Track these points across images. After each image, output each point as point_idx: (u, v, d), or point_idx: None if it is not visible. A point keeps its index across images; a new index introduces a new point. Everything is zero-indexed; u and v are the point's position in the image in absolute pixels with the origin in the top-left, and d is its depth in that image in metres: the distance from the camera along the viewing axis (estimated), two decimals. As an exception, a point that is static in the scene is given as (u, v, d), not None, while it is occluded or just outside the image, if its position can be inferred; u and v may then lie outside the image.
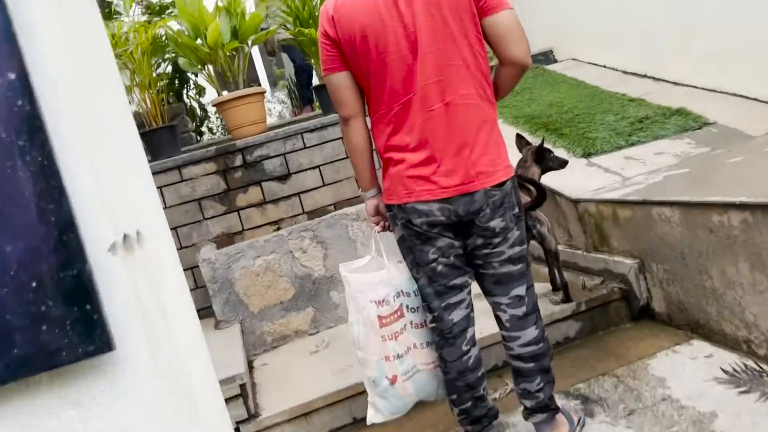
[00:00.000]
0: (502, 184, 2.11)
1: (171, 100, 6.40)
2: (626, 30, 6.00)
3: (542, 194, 3.20)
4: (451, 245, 2.15)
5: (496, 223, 2.11)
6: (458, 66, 2.07)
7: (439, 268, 2.17)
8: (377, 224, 2.34)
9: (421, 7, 2.01)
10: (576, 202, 3.87)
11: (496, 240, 2.14)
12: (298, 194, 4.73)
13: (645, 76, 5.81)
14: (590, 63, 6.61)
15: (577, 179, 4.12)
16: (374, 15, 2.01)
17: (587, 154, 4.42)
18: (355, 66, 2.11)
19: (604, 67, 6.40)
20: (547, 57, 7.24)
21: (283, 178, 4.71)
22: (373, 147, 2.27)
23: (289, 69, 8.77)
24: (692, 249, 2.91)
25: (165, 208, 4.46)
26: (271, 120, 8.48)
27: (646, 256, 3.31)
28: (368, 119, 2.23)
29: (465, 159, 2.08)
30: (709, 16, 4.92)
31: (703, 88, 5.13)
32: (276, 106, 11.26)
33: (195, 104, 7.56)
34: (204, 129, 8.08)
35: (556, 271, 3.51)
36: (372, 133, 2.23)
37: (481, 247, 2.15)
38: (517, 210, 2.17)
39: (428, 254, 2.16)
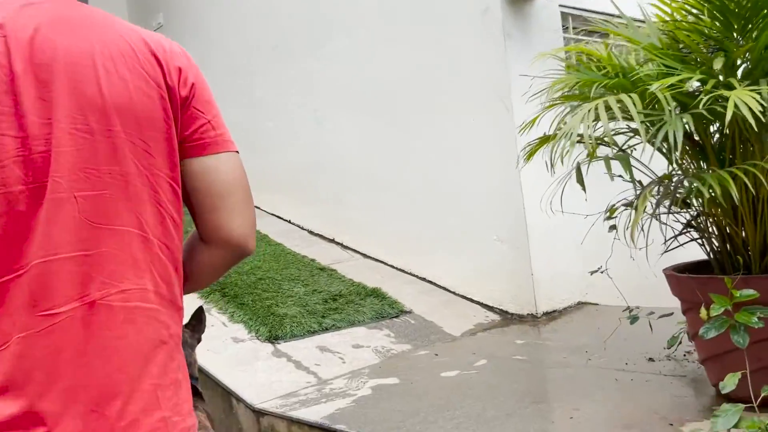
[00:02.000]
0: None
1: None
2: (317, 189, 5.54)
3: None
4: None
5: None
6: (127, 234, 0.98)
7: None
8: None
9: (66, 105, 0.95)
10: (259, 413, 2.82)
11: None
12: None
13: (333, 241, 5.33)
14: (274, 215, 5.94)
15: (261, 375, 3.11)
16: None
17: (274, 337, 3.48)
18: None
19: (290, 222, 5.78)
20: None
21: None
22: None
23: None
24: None
25: None
26: None
27: None
28: None
29: (110, 422, 0.95)
30: (396, 196, 4.72)
31: (393, 266, 4.79)
32: None
33: None
34: None
35: None
36: None
37: None
38: None
39: None
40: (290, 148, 5.83)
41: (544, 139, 2.72)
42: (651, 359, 2.81)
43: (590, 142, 2.00)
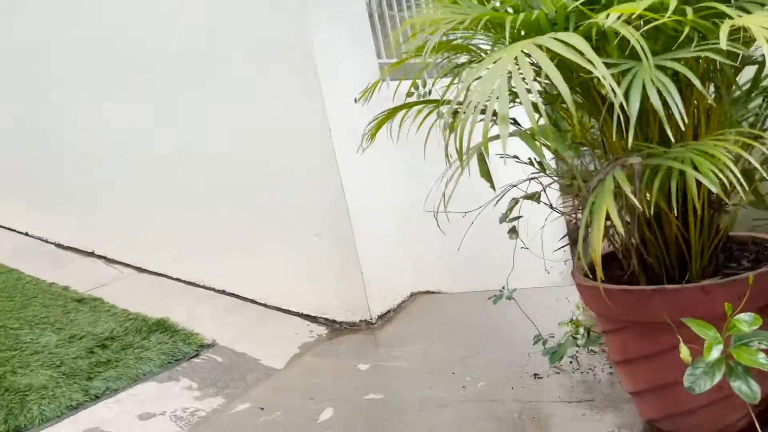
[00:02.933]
0: None
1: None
2: (61, 186, 4.19)
3: None
4: None
5: None
6: None
7: None
8: None
9: None
10: None
11: None
12: None
13: (93, 254, 4.07)
14: (2, 227, 4.43)
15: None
16: None
17: (15, 430, 2.32)
18: None
19: (27, 235, 4.33)
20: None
21: None
22: None
23: None
24: None
25: None
26: None
27: None
28: None
29: None
30: (177, 187, 3.67)
31: (181, 280, 3.75)
32: None
33: None
34: None
35: None
36: None
37: None
38: None
39: None
40: (14, 135, 4.33)
41: (392, 112, 1.98)
42: (538, 376, 2.28)
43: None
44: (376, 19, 3.66)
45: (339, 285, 3.26)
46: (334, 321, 3.31)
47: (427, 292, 3.71)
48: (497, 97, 1.13)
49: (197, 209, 3.63)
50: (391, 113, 1.99)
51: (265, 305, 3.49)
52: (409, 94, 2.11)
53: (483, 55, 1.71)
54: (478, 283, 4.19)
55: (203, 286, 3.69)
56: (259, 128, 3.30)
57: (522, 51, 1.21)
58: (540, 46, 1.19)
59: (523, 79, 1.15)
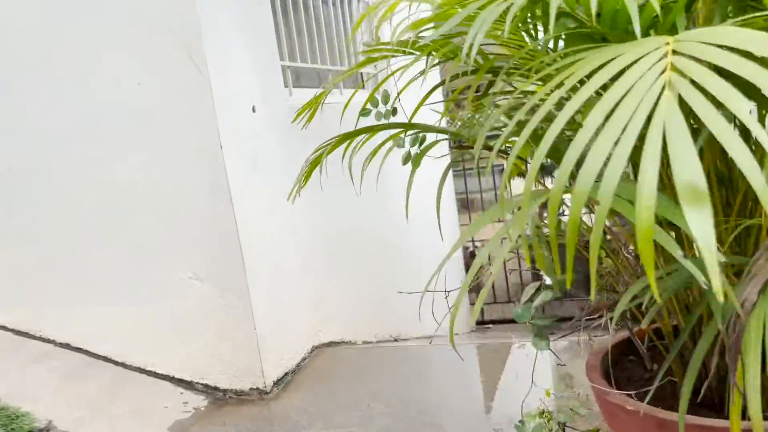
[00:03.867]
0: None
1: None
2: None
3: None
4: None
5: None
6: None
7: None
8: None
9: None
10: None
11: None
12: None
13: None
14: None
15: None
16: None
17: None
18: None
19: None
20: None
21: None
22: None
23: None
24: None
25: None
26: None
27: None
28: None
29: None
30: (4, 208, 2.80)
31: (8, 329, 2.85)
32: None
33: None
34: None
35: None
36: None
37: None
38: None
39: None
40: None
41: (342, 139, 1.37)
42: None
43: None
44: (279, 14, 3.02)
45: (223, 341, 2.56)
46: (215, 388, 2.60)
47: (331, 344, 3.10)
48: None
49: (33, 235, 2.77)
50: (341, 140, 1.37)
51: (123, 365, 2.70)
52: (363, 112, 1.51)
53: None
54: (386, 330, 3.65)
55: (40, 337, 2.82)
56: (122, 136, 2.54)
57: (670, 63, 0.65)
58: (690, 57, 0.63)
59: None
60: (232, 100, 2.51)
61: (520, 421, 1.60)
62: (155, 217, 2.55)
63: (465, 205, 4.95)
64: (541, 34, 1.19)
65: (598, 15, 0.94)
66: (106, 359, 2.72)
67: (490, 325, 4.95)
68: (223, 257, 2.49)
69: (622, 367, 1.31)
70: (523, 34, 1.20)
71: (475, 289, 5.76)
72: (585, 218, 1.30)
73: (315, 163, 1.39)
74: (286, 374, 2.68)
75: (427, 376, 2.66)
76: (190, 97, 2.41)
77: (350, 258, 3.33)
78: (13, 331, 2.84)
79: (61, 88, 2.58)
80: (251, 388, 2.55)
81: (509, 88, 1.32)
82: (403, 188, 1.52)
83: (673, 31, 0.94)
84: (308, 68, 3.29)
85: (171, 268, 2.57)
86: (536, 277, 5.41)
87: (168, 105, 2.45)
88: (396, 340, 3.74)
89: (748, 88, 0.61)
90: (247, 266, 2.48)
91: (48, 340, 2.81)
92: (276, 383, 2.60)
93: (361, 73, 3.76)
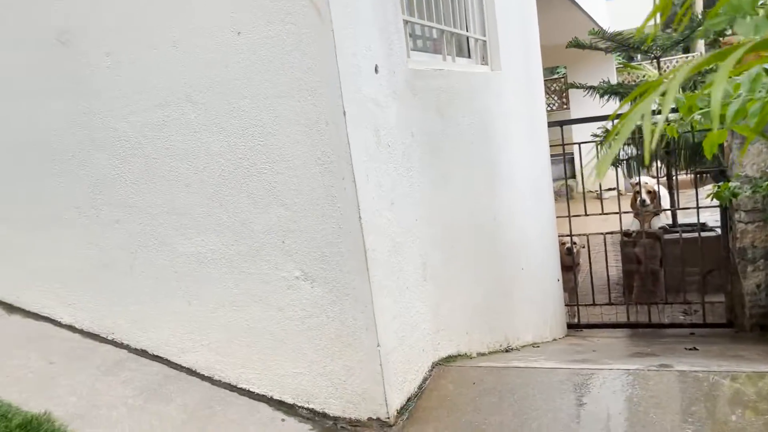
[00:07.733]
0: None
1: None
2: None
3: None
4: None
5: None
6: None
7: None
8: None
9: None
10: None
11: None
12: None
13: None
14: None
15: None
16: None
17: None
18: None
19: None
20: None
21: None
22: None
23: None
24: None
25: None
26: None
27: None
28: None
29: None
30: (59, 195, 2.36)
31: (75, 329, 2.42)
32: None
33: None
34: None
35: None
36: None
37: None
38: None
39: None
40: None
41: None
42: None
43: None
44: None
45: (335, 358, 2.05)
46: (324, 415, 2.09)
47: (449, 358, 2.56)
48: None
49: (117, 220, 2.31)
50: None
51: (211, 380, 2.22)
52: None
53: None
54: (496, 338, 3.09)
55: (113, 342, 2.37)
56: (213, 95, 2.04)
57: None
58: None
59: None
60: (355, 56, 1.99)
61: None
62: (253, 199, 2.05)
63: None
64: None
65: None
66: (190, 371, 2.25)
67: (583, 330, 4.52)
68: (339, 253, 1.98)
69: None
70: None
71: (567, 289, 5.18)
72: None
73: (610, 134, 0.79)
74: (408, 400, 2.15)
75: (592, 409, 2.09)
76: (305, 49, 1.89)
77: (466, 258, 2.78)
78: (81, 332, 2.41)
79: (151, 41, 2.10)
80: (370, 418, 2.03)
81: None
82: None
83: None
84: (427, 28, 2.74)
85: (272, 264, 2.08)
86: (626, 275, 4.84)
87: (276, 59, 1.93)
88: (507, 351, 3.19)
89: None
90: (370, 266, 1.96)
91: (121, 345, 2.36)
92: (399, 412, 2.07)
93: (476, 39, 3.18)
